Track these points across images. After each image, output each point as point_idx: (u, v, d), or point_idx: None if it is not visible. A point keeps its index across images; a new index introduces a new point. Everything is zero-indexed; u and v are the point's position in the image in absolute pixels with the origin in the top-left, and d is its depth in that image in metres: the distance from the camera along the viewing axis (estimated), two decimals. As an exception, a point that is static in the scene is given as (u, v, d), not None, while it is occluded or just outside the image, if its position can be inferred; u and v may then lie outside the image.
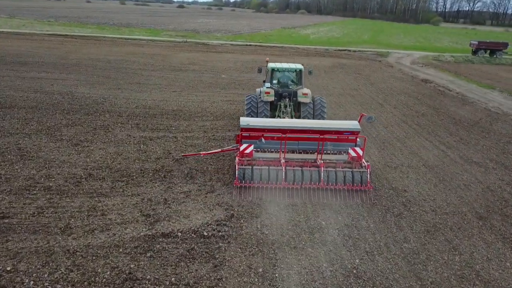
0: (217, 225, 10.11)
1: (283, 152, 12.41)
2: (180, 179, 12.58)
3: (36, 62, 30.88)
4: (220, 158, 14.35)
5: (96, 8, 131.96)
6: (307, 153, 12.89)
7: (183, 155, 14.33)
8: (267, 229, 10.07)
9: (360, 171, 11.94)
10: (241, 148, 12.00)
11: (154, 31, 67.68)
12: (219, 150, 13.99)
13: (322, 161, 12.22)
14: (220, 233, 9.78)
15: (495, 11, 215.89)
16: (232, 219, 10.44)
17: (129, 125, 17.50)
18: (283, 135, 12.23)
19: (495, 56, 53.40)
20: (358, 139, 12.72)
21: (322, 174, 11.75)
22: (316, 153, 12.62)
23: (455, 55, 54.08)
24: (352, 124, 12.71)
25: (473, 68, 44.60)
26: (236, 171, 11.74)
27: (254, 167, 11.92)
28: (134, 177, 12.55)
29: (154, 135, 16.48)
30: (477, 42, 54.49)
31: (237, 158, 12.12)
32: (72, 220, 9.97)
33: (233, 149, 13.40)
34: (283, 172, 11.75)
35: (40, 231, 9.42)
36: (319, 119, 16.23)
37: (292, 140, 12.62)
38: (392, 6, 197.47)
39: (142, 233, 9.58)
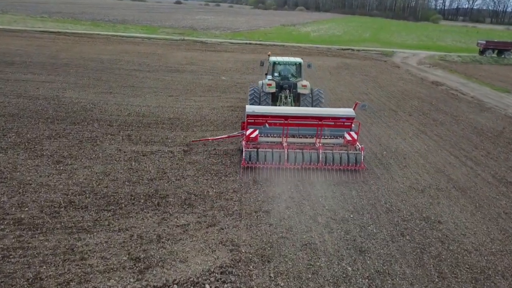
0: (221, 273, 8.31)
1: (285, 136, 13.77)
2: (177, 208, 10.76)
3: (24, 62, 28.88)
4: (222, 180, 12.52)
5: (91, 3, 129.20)
6: (307, 137, 14.30)
7: (192, 141, 15.48)
8: (282, 280, 8.26)
9: (355, 153, 13.27)
10: (247, 132, 13.29)
11: (150, 28, 65.59)
12: (226, 136, 15.30)
13: (320, 144, 13.60)
14: (225, 285, 7.97)
15: (495, 9, 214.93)
16: (239, 264, 8.64)
17: (119, 137, 15.63)
18: (285, 121, 13.46)
19: (503, 56, 51.67)
20: (353, 125, 13.96)
21: (320, 155, 12.97)
22: (315, 137, 13.98)
23: (462, 55, 52.33)
24: (347, 111, 14.08)
25: (482, 69, 42.86)
26: (243, 153, 12.96)
27: (259, 149, 13.10)
28: (123, 205, 10.72)
29: (148, 149, 14.62)
30: (485, 42, 52.72)
31: (243, 142, 13.39)
32: (44, 267, 8.15)
33: (239, 135, 14.72)
34: (286, 154, 12.91)
35: (1, 284, 7.58)
36: None
37: (294, 126, 13.89)
38: (391, 4, 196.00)
39: (128, 286, 7.76)
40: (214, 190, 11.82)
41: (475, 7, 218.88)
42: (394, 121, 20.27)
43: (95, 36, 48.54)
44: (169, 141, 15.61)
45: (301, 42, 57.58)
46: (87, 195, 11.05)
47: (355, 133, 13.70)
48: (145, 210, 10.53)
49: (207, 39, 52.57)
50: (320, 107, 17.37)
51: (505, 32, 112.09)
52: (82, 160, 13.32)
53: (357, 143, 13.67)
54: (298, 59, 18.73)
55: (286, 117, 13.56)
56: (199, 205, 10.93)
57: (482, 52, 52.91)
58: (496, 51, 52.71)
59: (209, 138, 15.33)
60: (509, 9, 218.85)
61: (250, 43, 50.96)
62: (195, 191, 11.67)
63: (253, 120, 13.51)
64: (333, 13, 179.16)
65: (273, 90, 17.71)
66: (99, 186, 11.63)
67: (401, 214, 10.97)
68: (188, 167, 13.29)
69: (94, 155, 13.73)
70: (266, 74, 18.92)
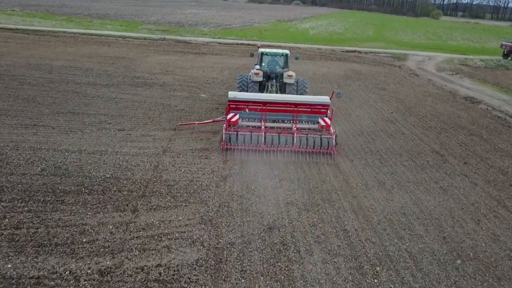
0: None
1: (264, 121, 14.86)
2: None
3: None
4: None
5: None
6: (285, 123, 15.19)
7: (179, 125, 16.24)
8: None
9: (327, 137, 14.23)
10: (228, 116, 14.25)
11: (131, 23, 58.50)
12: (211, 120, 16.43)
13: (295, 129, 14.59)
14: None
15: (496, 4, 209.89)
16: None
17: (5, 242, 8.92)
18: (263, 107, 14.62)
19: (529, 59, 45.26)
20: (328, 111, 14.93)
21: (295, 139, 14.04)
22: (291, 122, 14.95)
23: (483, 58, 45.81)
24: (322, 99, 15.17)
25: (513, 77, 36.37)
26: (223, 135, 13.98)
27: (239, 132, 13.99)
28: None
29: (34, 273, 7.94)
30: (510, 44, 46.20)
31: (225, 125, 14.30)
32: None
33: (222, 120, 15.34)
34: (263, 137, 13.94)
35: None
36: None
37: (272, 112, 14.93)
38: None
39: None
40: None
41: (475, 2, 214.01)
42: (447, 177, 13.66)
43: (61, 35, 41.47)
44: (86, 238, 8.94)
45: (299, 41, 50.79)
46: None
47: (329, 118, 14.72)
48: None
49: (192, 38, 45.63)
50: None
51: (510, 29, 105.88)
52: None
53: (331, 128, 14.58)
54: (285, 51, 19.69)
55: (264, 103, 14.62)
56: None
57: (506, 55, 46.45)
58: (521, 54, 46.25)
59: (196, 122, 16.45)
60: (510, 5, 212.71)
61: (241, 44, 44.05)
62: None
63: (235, 106, 14.56)
64: (330, 8, 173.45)
65: (260, 79, 18.49)
66: None
67: None
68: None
69: None
70: (255, 65, 19.30)
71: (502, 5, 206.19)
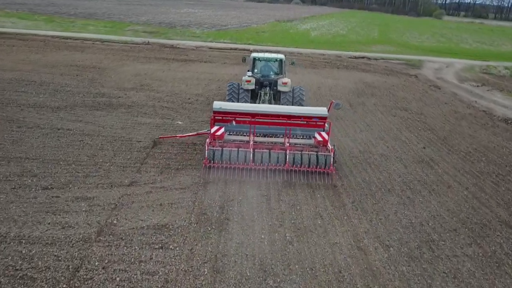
0: None
1: (253, 135, 13.17)
2: None
3: None
4: None
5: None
6: (278, 137, 13.48)
7: (159, 137, 14.48)
8: None
9: (324, 155, 12.38)
10: (212, 130, 12.78)
11: (117, 24, 53.54)
12: (195, 133, 14.56)
13: (288, 144, 12.77)
14: None
15: (499, 4, 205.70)
16: None
17: None
18: (252, 119, 12.99)
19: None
20: (326, 125, 13.20)
21: (288, 156, 12.20)
22: (284, 137, 13.24)
23: (508, 65, 40.91)
24: (319, 110, 13.44)
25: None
26: (206, 151, 12.13)
27: (224, 148, 12.33)
28: None
29: None
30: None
31: (208, 139, 12.64)
32: None
33: (208, 133, 13.46)
34: (251, 154, 12.10)
35: None
36: None
37: (262, 124, 13.33)
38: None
39: None
40: None
41: (477, 2, 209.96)
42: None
43: (30, 38, 36.47)
44: None
45: (300, 44, 45.87)
46: None
47: (326, 133, 13.10)
48: None
49: (180, 42, 40.63)
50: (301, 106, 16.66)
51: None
52: None
53: (328, 144, 12.85)
54: (280, 55, 18.38)
55: (253, 114, 13.17)
56: None
57: (531, 62, 41.59)
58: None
59: (178, 135, 14.63)
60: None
61: (235, 49, 39.04)
62: None
63: (220, 117, 13.18)
64: (330, 7, 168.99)
65: (252, 87, 17.16)
66: None
67: None
68: None
69: None
70: (248, 71, 18.09)
71: (506, 5, 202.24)
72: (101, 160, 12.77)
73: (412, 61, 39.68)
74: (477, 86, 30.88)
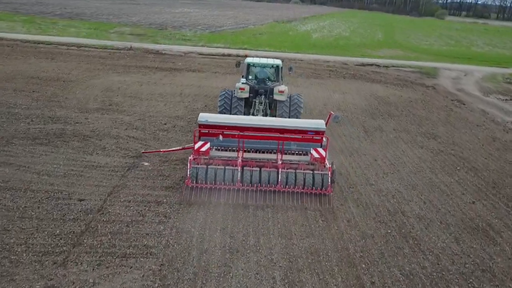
0: None
1: (242, 151, 11.83)
2: None
3: None
4: None
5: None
6: (270, 153, 12.14)
7: (142, 152, 13.35)
8: None
9: (321, 174, 11.29)
10: (196, 146, 11.46)
11: (103, 25, 49.29)
12: (180, 148, 13.49)
13: (281, 162, 11.54)
14: None
15: (502, 4, 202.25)
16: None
17: None
18: (241, 133, 11.72)
19: None
20: (323, 140, 12.09)
21: (280, 175, 11.13)
22: (277, 153, 11.99)
23: (532, 73, 36.82)
24: (316, 123, 12.26)
25: None
26: (188, 170, 11.05)
27: (209, 166, 11.28)
28: None
29: None
30: None
31: (191, 156, 11.41)
32: None
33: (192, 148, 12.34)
34: (239, 173, 11.04)
35: None
36: (295, 117, 15.34)
37: (252, 139, 12.03)
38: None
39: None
40: None
41: (479, 2, 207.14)
42: None
43: (-4, 43, 32.21)
44: None
45: (302, 49, 41.68)
46: None
47: (324, 149, 11.68)
48: None
49: (167, 47, 36.35)
50: (298, 116, 15.69)
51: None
52: None
53: (326, 162, 11.50)
54: (276, 61, 16.94)
55: (242, 128, 11.81)
56: None
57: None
58: None
59: (162, 150, 13.36)
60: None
61: (228, 55, 34.81)
62: None
63: (206, 131, 12.00)
64: (330, 7, 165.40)
65: (246, 95, 15.73)
66: None
67: None
68: None
69: None
70: (242, 77, 16.47)
71: (509, 5, 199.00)
72: (11, 241, 8.57)
73: (425, 68, 35.52)
74: (505, 100, 26.80)
